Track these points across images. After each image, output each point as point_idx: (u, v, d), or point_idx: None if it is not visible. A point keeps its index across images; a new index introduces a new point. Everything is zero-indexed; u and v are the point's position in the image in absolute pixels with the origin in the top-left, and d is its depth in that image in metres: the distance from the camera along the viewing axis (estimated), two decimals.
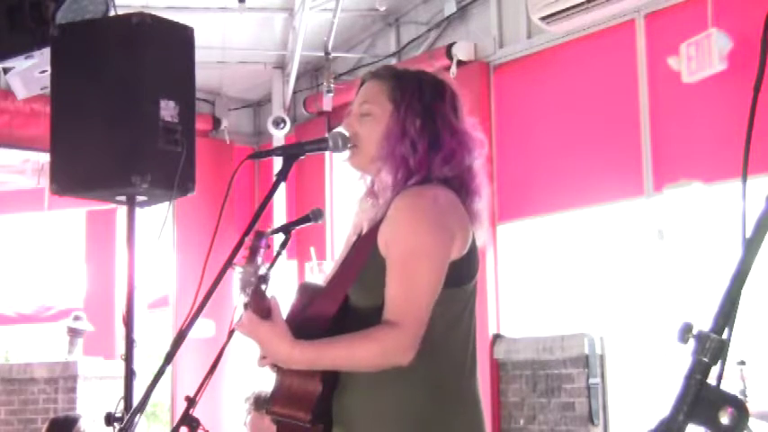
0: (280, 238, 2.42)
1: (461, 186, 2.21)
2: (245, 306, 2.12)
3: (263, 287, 2.13)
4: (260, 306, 2.09)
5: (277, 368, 2.19)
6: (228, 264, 2.27)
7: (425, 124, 2.21)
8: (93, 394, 7.16)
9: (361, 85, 2.35)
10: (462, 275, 2.17)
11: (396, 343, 2.03)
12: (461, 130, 2.26)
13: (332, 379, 2.15)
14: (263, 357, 2.25)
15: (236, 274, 2.15)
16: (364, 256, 2.16)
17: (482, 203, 2.24)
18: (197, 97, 4.21)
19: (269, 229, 2.27)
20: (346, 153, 2.30)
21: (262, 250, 2.15)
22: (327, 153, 2.40)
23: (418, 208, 2.12)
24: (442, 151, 2.20)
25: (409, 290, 2.06)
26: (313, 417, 2.11)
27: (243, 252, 2.16)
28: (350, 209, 2.43)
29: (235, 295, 2.21)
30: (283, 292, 2.56)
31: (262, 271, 2.14)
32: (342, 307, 2.16)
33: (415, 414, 2.12)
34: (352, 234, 2.37)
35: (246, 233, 2.30)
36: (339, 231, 7.30)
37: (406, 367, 2.05)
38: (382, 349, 2.03)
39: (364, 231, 2.24)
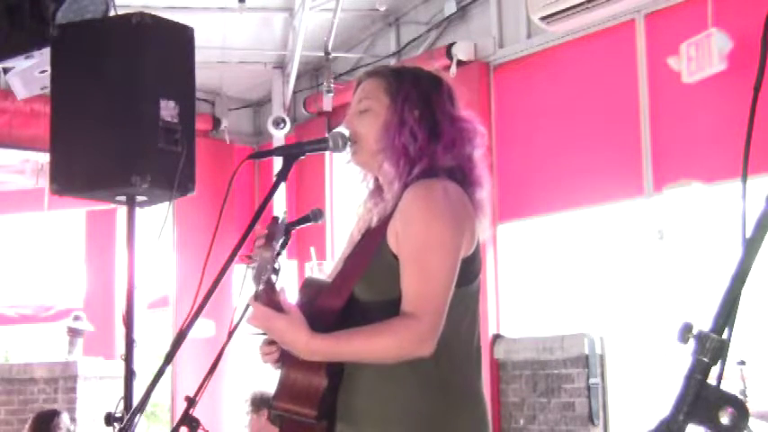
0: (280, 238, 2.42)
1: (463, 177, 2.22)
2: (257, 297, 2.09)
3: (275, 278, 2.10)
4: (271, 298, 2.07)
5: (281, 363, 2.18)
6: (229, 264, 2.27)
7: (423, 114, 2.23)
8: (93, 394, 7.16)
9: (358, 85, 2.36)
10: (469, 274, 2.18)
11: (415, 335, 2.03)
12: (460, 118, 2.27)
13: (337, 373, 2.14)
14: (267, 353, 2.25)
15: (252, 262, 2.10)
16: (371, 250, 2.16)
17: (484, 193, 2.25)
18: (197, 97, 4.21)
19: (283, 215, 2.22)
20: (347, 153, 2.30)
21: (279, 236, 2.09)
22: (327, 153, 2.40)
23: (430, 200, 2.12)
24: (443, 140, 2.21)
25: (426, 281, 2.06)
26: (319, 412, 2.10)
27: (259, 240, 2.11)
28: (353, 209, 2.43)
29: (235, 295, 2.20)
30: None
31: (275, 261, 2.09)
32: (348, 301, 2.15)
33: (421, 412, 2.13)
34: (356, 233, 2.37)
35: (247, 233, 2.30)
36: (339, 231, 7.30)
37: (412, 365, 2.06)
38: (402, 341, 2.03)
39: (373, 225, 2.24)
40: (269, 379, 2.37)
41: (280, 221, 2.14)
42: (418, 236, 2.09)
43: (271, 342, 2.24)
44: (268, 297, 2.07)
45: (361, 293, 2.16)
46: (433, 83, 2.30)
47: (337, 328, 2.08)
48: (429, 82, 2.29)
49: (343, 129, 2.34)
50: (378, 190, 2.33)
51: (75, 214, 8.79)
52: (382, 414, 2.14)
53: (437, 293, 2.07)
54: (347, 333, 2.06)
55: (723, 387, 1.22)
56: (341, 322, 2.10)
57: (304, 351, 2.04)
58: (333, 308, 2.13)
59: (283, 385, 2.13)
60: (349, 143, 2.28)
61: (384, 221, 2.18)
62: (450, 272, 2.09)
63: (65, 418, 5.69)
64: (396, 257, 2.12)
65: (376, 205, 2.30)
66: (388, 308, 2.09)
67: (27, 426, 5.75)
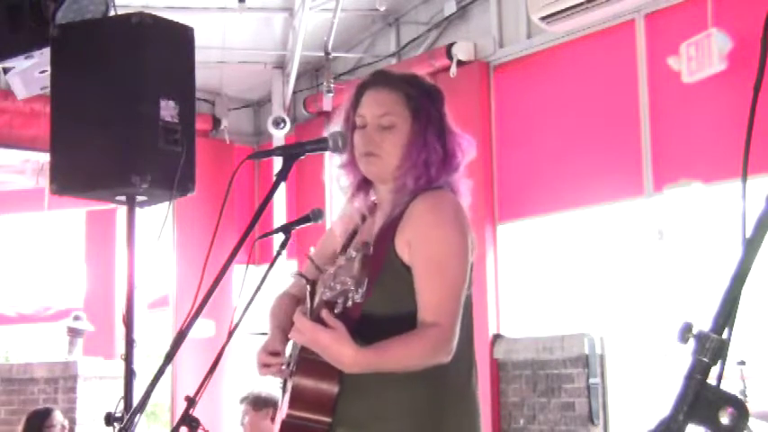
0: (280, 238, 2.42)
1: (454, 187, 2.29)
2: (311, 313, 2.10)
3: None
4: (318, 313, 2.06)
5: (290, 372, 2.18)
6: (229, 264, 2.27)
7: (439, 131, 2.29)
8: (93, 394, 7.16)
9: (363, 90, 2.35)
10: (471, 279, 2.23)
11: (442, 342, 2.09)
12: (458, 134, 2.33)
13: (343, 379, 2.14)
14: (265, 366, 2.25)
15: (335, 278, 2.09)
16: (381, 258, 2.18)
17: (467, 200, 2.31)
18: (197, 97, 4.21)
19: (372, 239, 2.25)
20: (344, 156, 2.33)
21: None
22: (327, 153, 2.41)
23: (442, 211, 2.20)
24: (452, 158, 2.28)
25: (444, 289, 2.12)
26: (333, 419, 2.11)
27: (355, 260, 2.11)
28: (341, 210, 2.45)
29: (235, 295, 2.19)
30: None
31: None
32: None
33: (421, 415, 2.15)
34: (338, 230, 2.39)
35: (247, 233, 2.30)
36: None
37: (427, 370, 2.09)
38: (432, 349, 2.08)
39: (376, 231, 2.26)
40: (268, 379, 2.36)
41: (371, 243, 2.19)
42: (434, 244, 2.15)
43: (273, 353, 2.25)
44: (318, 312, 2.06)
45: (373, 302, 2.16)
46: (440, 98, 2.35)
47: (352, 335, 2.07)
48: (437, 97, 2.35)
49: (339, 128, 2.35)
50: (362, 190, 2.37)
51: (75, 214, 8.78)
52: (385, 417, 2.15)
53: (455, 300, 2.13)
54: (386, 345, 2.07)
55: (723, 387, 1.22)
56: (357, 331, 2.09)
57: (350, 365, 2.03)
58: (351, 317, 2.12)
59: (296, 393, 2.12)
60: (365, 154, 2.28)
61: (388, 229, 2.21)
62: (464, 278, 2.17)
63: (58, 415, 5.69)
64: (404, 266, 2.16)
65: (369, 210, 2.34)
66: (401, 317, 2.12)
67: (20, 425, 5.75)
